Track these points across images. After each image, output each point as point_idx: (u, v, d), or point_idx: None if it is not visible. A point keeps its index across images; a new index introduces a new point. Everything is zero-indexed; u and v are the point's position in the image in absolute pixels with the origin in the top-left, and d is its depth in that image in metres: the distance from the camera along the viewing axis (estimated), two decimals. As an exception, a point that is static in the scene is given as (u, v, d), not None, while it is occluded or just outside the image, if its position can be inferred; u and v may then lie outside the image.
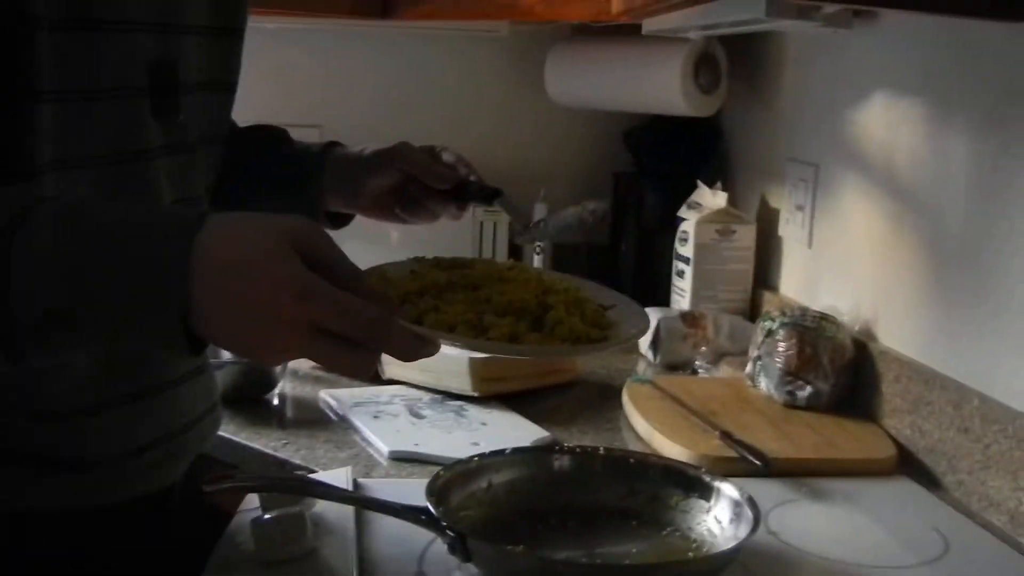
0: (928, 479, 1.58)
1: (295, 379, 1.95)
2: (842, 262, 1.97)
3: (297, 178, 1.48)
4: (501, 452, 1.37)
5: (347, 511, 1.30)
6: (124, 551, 1.21)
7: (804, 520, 1.43)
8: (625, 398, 1.82)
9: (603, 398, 1.91)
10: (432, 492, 1.22)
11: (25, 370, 1.03)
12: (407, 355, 0.98)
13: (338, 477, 1.42)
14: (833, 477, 1.53)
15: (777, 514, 1.40)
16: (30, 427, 1.09)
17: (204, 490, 1.15)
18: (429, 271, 1.11)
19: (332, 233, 1.50)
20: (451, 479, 1.28)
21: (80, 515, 1.15)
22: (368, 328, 0.92)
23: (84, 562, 1.17)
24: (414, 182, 1.48)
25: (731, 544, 1.20)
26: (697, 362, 2.05)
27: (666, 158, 2.52)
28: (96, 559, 1.18)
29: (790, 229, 2.17)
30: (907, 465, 1.62)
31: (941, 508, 1.48)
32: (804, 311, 1.84)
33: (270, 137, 1.55)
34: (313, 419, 1.76)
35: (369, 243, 2.40)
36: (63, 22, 1.03)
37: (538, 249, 2.49)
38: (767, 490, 1.43)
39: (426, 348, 0.99)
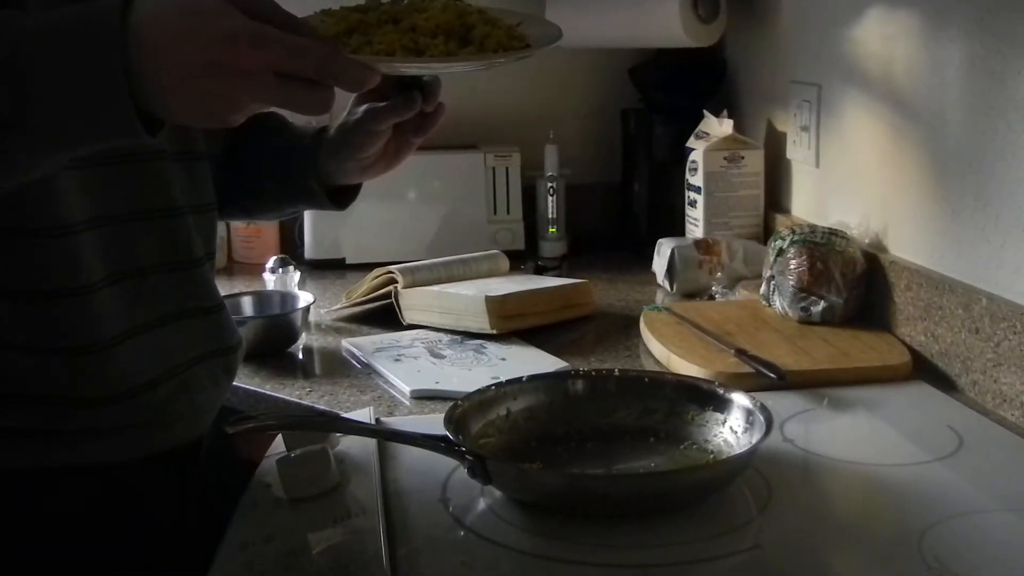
0: (944, 382, 1.60)
1: (317, 331, 1.98)
2: (849, 178, 1.98)
3: (291, 168, 1.47)
4: (518, 380, 1.40)
5: (370, 448, 1.33)
6: (155, 505, 1.25)
7: (821, 427, 1.46)
8: (642, 326, 1.84)
9: (621, 329, 1.93)
10: (451, 420, 1.25)
11: (43, 301, 1.07)
12: (359, 83, 1.00)
13: (361, 416, 1.45)
14: (849, 386, 1.56)
15: (794, 423, 1.42)
16: (48, 364, 1.12)
17: (227, 432, 1.18)
18: (345, 13, 1.14)
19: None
20: (469, 408, 1.31)
21: (109, 469, 1.18)
22: (323, 64, 0.95)
23: (115, 517, 1.20)
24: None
25: (745, 449, 1.23)
26: (713, 288, 2.07)
27: (672, 91, 2.53)
28: (128, 514, 1.22)
29: (797, 151, 2.18)
30: (923, 371, 1.64)
31: (956, 408, 1.50)
32: (813, 228, 1.86)
33: (265, 127, 1.51)
34: (336, 368, 1.78)
35: (390, 200, 2.45)
36: None
37: (551, 190, 2.51)
38: (783, 402, 1.46)
39: (373, 75, 1.01)
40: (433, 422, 1.27)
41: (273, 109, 1.06)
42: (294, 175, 1.43)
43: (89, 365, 1.13)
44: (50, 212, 1.09)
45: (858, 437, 1.44)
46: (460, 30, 1.11)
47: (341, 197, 1.46)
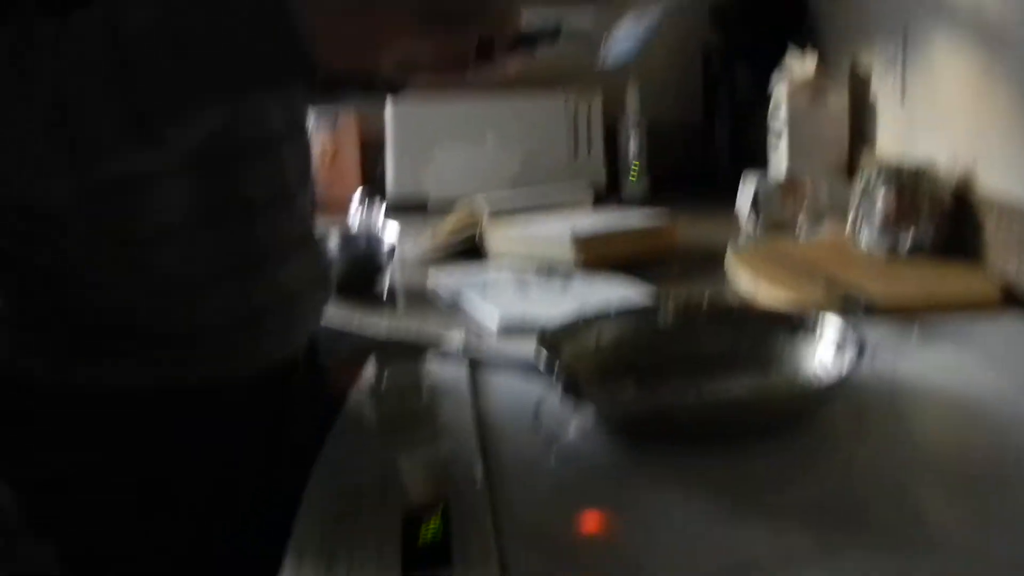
0: (1036, 314, 1.59)
1: (402, 268, 2.00)
2: (936, 114, 1.95)
3: None
4: (607, 310, 1.40)
5: (461, 374, 1.34)
6: (251, 428, 1.27)
7: (911, 357, 1.44)
8: (728, 261, 1.84)
9: (706, 264, 1.93)
10: (542, 344, 1.25)
11: (135, 245, 1.08)
12: (504, 25, 0.99)
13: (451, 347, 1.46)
14: (939, 317, 1.55)
15: (884, 352, 1.41)
16: (142, 303, 1.14)
17: (320, 357, 1.19)
18: None
19: None
20: (560, 336, 1.32)
21: (208, 392, 1.20)
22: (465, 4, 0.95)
23: (213, 439, 1.22)
24: None
25: (836, 376, 1.22)
26: (798, 223, 2.06)
27: (754, 29, 2.51)
28: (224, 436, 1.23)
29: (882, 87, 2.16)
30: (1014, 304, 1.62)
31: (1049, 340, 1.49)
32: (901, 164, 1.84)
33: None
34: (423, 303, 1.80)
35: (472, 143, 2.46)
36: None
37: (633, 131, 2.50)
38: (873, 330, 1.44)
39: (516, 16, 1.00)
40: (523, 351, 1.28)
41: None
42: None
43: (181, 303, 1.16)
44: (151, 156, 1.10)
45: (950, 367, 1.42)
46: None
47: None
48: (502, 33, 1.00)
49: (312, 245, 1.32)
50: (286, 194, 1.27)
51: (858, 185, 1.87)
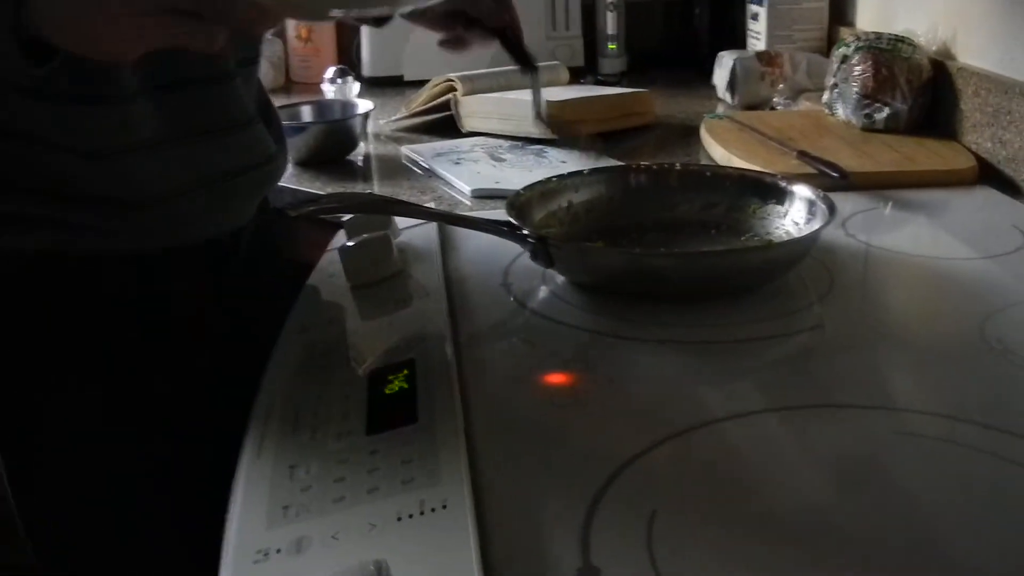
0: (1010, 187, 1.58)
1: (376, 141, 1.98)
2: (917, -13, 1.94)
3: None
4: (579, 172, 1.39)
5: (431, 237, 1.33)
6: (187, 294, 1.23)
7: (884, 225, 1.45)
8: (703, 132, 1.83)
9: (682, 136, 1.93)
10: (513, 207, 1.25)
11: (76, 111, 1.06)
12: (253, 25, 0.96)
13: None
14: (913, 189, 1.54)
15: (857, 220, 1.41)
16: (78, 168, 1.09)
17: (290, 215, 1.18)
18: None
19: None
20: (531, 198, 1.31)
21: (149, 258, 1.17)
22: (214, 2, 0.90)
23: (146, 302, 1.19)
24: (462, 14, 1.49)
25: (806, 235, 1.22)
26: (775, 99, 2.05)
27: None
28: (159, 300, 1.20)
29: (864, -39, 2.14)
30: (989, 177, 1.61)
31: (1022, 210, 1.48)
32: (879, 35, 1.82)
33: None
34: (397, 173, 1.78)
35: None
36: None
37: (611, 6, 2.47)
38: (846, 201, 1.44)
39: (268, 18, 0.96)
40: (495, 216, 1.27)
41: None
42: None
43: (119, 168, 1.12)
44: None
45: (922, 234, 1.42)
46: None
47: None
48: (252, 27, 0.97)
49: (253, 127, 1.27)
50: (242, 122, 1.24)
51: (835, 55, 1.85)
